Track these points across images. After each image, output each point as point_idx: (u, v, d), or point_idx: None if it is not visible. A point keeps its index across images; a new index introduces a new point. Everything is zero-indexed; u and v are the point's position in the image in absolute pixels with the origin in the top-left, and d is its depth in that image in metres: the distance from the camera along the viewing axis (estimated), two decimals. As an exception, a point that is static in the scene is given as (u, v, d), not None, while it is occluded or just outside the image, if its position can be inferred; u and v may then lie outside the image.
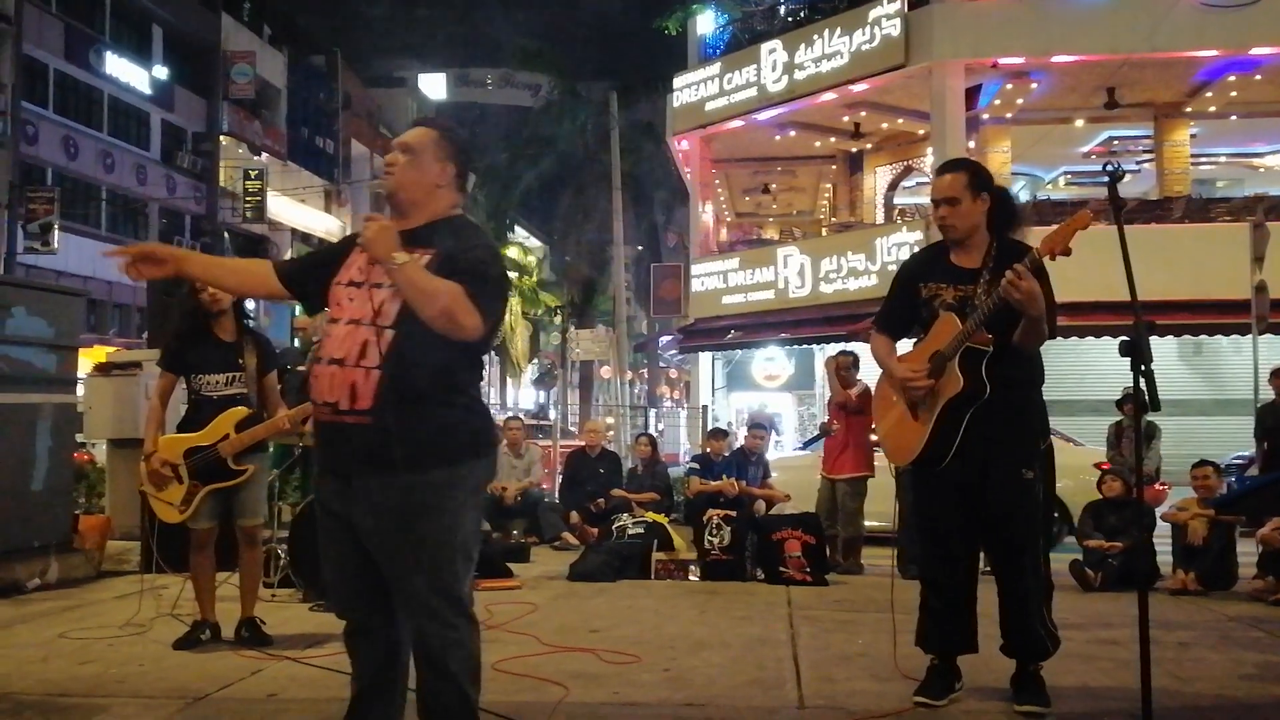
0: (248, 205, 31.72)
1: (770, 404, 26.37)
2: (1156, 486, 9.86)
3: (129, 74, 28.85)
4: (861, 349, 9.40)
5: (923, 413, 3.78)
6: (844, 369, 8.40)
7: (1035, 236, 3.76)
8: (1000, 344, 3.64)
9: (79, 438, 8.24)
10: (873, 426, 8.31)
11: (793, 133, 19.84)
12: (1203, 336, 15.87)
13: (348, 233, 2.75)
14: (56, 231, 23.84)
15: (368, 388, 2.66)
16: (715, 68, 19.22)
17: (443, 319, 2.60)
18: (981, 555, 4.07)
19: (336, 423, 2.70)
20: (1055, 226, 3.43)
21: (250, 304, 5.57)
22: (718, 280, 19.53)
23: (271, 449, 5.72)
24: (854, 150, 20.89)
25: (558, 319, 35.90)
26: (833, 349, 13.39)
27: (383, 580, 2.74)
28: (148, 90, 29.75)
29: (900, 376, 3.85)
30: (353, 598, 2.82)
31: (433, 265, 2.66)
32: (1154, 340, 3.40)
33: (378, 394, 2.65)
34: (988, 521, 3.78)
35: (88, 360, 9.37)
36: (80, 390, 8.00)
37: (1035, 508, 3.75)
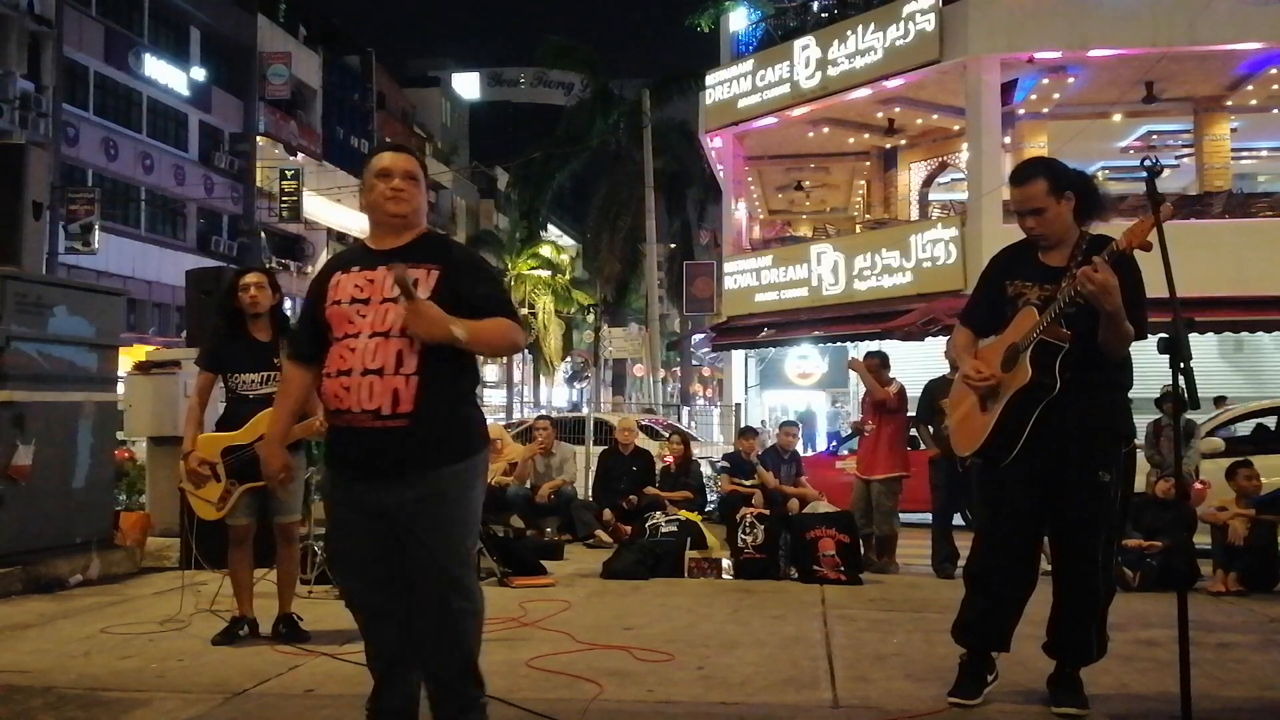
0: (284, 205, 32.01)
1: (796, 402, 26.28)
2: (1196, 485, 9.71)
3: (167, 76, 29.22)
4: (892, 347, 9.40)
5: (991, 405, 3.71)
6: (875, 370, 8.26)
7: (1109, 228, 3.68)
8: (1084, 344, 3.51)
9: (119, 435, 8.35)
10: (912, 426, 8.32)
11: (826, 129, 19.74)
12: (1243, 333, 15.65)
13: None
14: (97, 232, 24.15)
15: (409, 393, 2.92)
16: (748, 64, 19.17)
17: (511, 350, 3.18)
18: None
19: (378, 428, 2.93)
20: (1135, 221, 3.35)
21: (287, 304, 5.61)
22: (750, 278, 19.48)
23: (316, 448, 5.74)
24: (888, 146, 20.77)
25: (590, 317, 35.92)
26: (866, 347, 13.35)
27: (401, 565, 3.01)
28: (185, 92, 30.12)
29: (963, 372, 3.80)
30: (378, 585, 3.08)
31: (442, 280, 3.00)
32: (1193, 337, 3.35)
33: (419, 397, 2.93)
34: (1060, 522, 3.70)
35: (128, 359, 9.50)
36: (120, 388, 8.10)
37: (1111, 510, 3.66)
